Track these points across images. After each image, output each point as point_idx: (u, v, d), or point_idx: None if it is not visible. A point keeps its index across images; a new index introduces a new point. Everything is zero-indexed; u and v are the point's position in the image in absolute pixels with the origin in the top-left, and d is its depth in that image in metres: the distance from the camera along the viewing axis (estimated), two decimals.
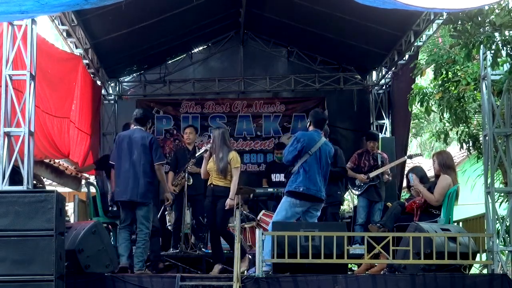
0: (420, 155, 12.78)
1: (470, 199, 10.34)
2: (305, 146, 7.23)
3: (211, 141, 7.95)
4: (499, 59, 6.77)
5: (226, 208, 7.67)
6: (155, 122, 12.55)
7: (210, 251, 8.83)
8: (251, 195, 9.90)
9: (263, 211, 9.58)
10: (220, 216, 7.74)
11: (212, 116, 12.79)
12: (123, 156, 7.43)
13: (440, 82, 8.15)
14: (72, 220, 9.25)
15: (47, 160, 10.00)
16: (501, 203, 8.25)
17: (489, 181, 7.30)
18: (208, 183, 7.89)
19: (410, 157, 10.27)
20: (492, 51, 6.60)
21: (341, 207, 13.25)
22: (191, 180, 8.83)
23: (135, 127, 7.64)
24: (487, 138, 7.31)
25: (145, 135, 7.53)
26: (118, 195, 7.41)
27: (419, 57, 10.37)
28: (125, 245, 7.39)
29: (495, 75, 7.22)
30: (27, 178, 6.75)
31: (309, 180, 7.18)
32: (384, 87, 12.71)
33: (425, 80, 11.66)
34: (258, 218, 9.44)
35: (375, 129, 12.43)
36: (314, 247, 6.63)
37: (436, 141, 11.45)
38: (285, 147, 7.67)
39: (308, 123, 7.55)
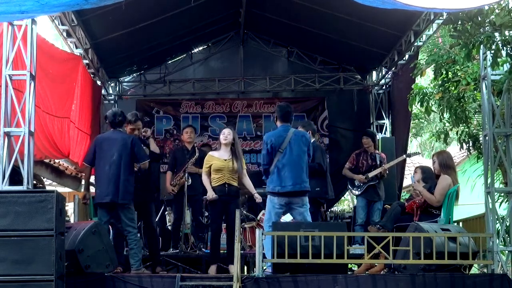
0: (418, 153, 12.80)
1: (470, 199, 10.33)
2: (274, 145, 7.32)
3: (227, 140, 7.76)
4: (499, 59, 6.77)
5: (259, 201, 7.86)
6: (155, 122, 12.56)
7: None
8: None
9: (263, 211, 9.57)
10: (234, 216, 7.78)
11: (212, 116, 12.80)
12: (103, 158, 7.36)
13: (440, 82, 8.15)
14: (72, 220, 9.23)
15: (47, 160, 9.99)
16: (501, 203, 8.25)
17: (489, 181, 7.30)
18: (219, 183, 7.71)
19: (409, 155, 10.29)
20: (492, 51, 6.60)
21: (340, 207, 13.26)
22: (190, 180, 8.81)
23: (113, 129, 7.56)
24: (487, 138, 7.31)
25: (125, 136, 7.49)
26: (100, 197, 7.33)
27: (419, 57, 10.38)
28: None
29: (495, 75, 7.22)
30: (27, 178, 6.75)
31: (283, 178, 7.24)
32: (384, 87, 12.71)
33: (425, 80, 11.67)
34: (258, 218, 9.46)
35: (375, 129, 12.44)
36: (314, 247, 6.63)
37: (436, 141, 11.45)
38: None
39: (275, 120, 7.63)
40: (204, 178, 7.82)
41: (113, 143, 7.37)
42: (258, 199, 7.89)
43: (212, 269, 7.72)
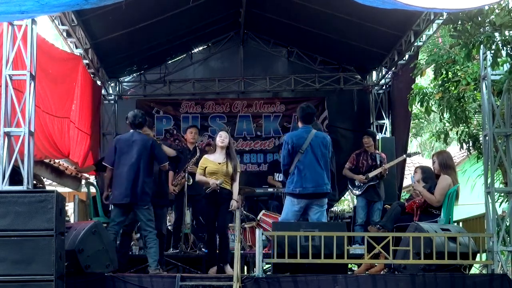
0: (418, 153, 12.80)
1: (470, 199, 10.34)
2: (295, 145, 7.27)
3: (224, 143, 7.83)
4: (499, 59, 6.77)
5: (230, 210, 7.73)
6: (155, 122, 12.55)
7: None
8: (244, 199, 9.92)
9: (263, 211, 9.58)
10: (228, 218, 7.81)
11: (212, 116, 12.80)
12: (122, 159, 7.39)
13: (440, 82, 8.15)
14: (72, 220, 9.24)
15: (47, 160, 9.99)
16: (501, 203, 8.25)
17: (489, 181, 7.30)
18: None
19: (409, 155, 10.28)
20: (492, 51, 6.60)
21: (340, 207, 13.23)
22: (191, 180, 8.81)
23: (133, 130, 7.60)
24: (487, 138, 7.31)
25: (145, 138, 7.53)
26: (118, 198, 7.35)
27: (419, 57, 10.38)
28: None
29: (495, 75, 7.22)
30: (27, 178, 6.74)
31: (304, 179, 7.21)
32: (384, 87, 12.71)
33: (425, 80, 11.67)
34: (258, 218, 9.45)
35: (375, 129, 12.43)
36: (314, 247, 6.64)
37: (436, 141, 11.46)
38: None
39: (296, 120, 7.60)
40: (199, 176, 7.86)
41: (132, 144, 7.41)
42: (233, 207, 7.79)
43: (213, 270, 7.73)
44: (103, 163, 7.87)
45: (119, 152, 7.44)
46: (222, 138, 7.83)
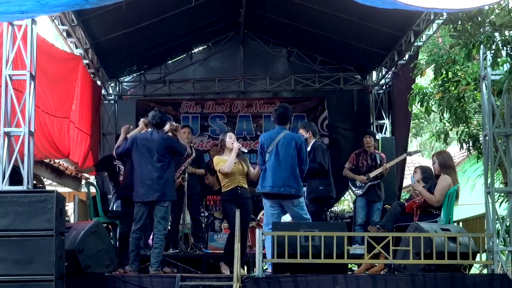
0: (419, 151, 12.79)
1: (470, 199, 10.33)
2: (263, 146, 7.42)
3: (236, 142, 7.84)
4: (499, 59, 6.77)
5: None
6: None
7: (210, 251, 8.83)
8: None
9: (263, 211, 9.57)
10: (248, 220, 7.83)
11: (212, 116, 12.80)
12: (143, 158, 7.42)
13: (440, 82, 8.15)
14: (72, 220, 9.24)
15: (47, 160, 10.00)
16: (501, 203, 8.25)
17: (489, 181, 7.30)
18: (231, 187, 7.71)
19: (409, 154, 10.28)
20: (492, 51, 6.60)
21: (340, 207, 13.22)
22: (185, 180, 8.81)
23: (150, 129, 7.63)
24: (487, 138, 7.32)
25: (162, 136, 7.59)
26: (143, 196, 7.34)
27: (419, 57, 10.38)
28: (135, 253, 7.34)
29: (495, 75, 7.22)
30: (27, 178, 6.75)
31: (267, 179, 7.31)
32: (384, 87, 12.71)
33: (425, 80, 11.67)
34: (258, 218, 9.45)
35: (375, 129, 12.44)
36: (314, 247, 6.64)
37: (436, 141, 11.46)
38: None
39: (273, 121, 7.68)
40: (227, 165, 7.68)
41: (152, 143, 7.47)
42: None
43: (225, 268, 7.56)
44: (114, 151, 7.89)
45: (138, 150, 7.47)
46: (232, 139, 7.87)
